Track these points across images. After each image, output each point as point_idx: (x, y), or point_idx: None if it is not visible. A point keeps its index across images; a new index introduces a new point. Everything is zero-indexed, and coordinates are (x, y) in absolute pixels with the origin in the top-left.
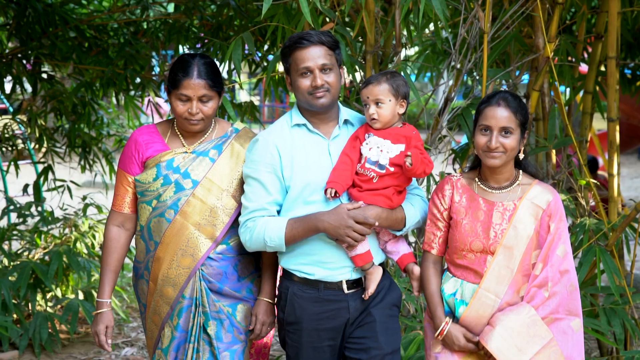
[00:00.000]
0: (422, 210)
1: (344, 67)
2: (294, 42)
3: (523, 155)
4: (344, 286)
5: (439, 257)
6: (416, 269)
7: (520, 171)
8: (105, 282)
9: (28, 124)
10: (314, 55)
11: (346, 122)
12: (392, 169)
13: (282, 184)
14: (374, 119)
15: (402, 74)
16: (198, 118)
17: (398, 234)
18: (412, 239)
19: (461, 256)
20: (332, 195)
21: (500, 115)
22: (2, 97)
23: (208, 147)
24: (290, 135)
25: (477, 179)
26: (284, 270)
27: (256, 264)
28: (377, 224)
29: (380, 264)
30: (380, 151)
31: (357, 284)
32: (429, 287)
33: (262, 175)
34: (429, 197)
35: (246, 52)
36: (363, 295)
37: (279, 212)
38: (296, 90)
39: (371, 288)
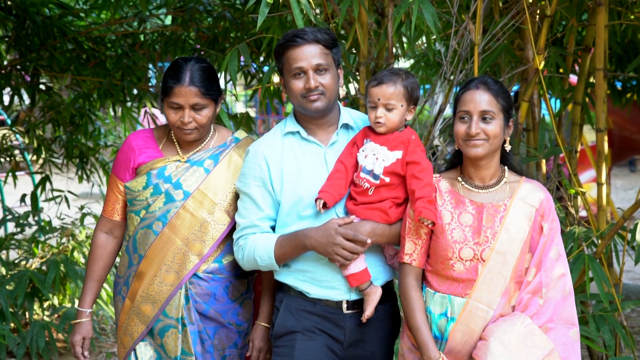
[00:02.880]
0: None
1: (342, 68)
2: (287, 40)
3: (509, 147)
4: (344, 306)
5: (421, 270)
6: None
7: (506, 167)
8: (87, 291)
9: (27, 135)
10: (308, 55)
11: (347, 126)
12: (387, 180)
13: (274, 198)
14: (379, 122)
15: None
16: (191, 127)
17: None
18: None
19: (448, 266)
20: (321, 206)
21: (479, 98)
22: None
23: (204, 156)
24: (281, 145)
25: (459, 179)
26: (280, 284)
27: (248, 285)
28: (369, 241)
29: (389, 283)
30: (376, 159)
31: (359, 305)
32: (414, 312)
33: (252, 189)
34: None
35: (242, 63)
36: (362, 318)
37: (274, 228)
38: (289, 93)
39: (368, 310)
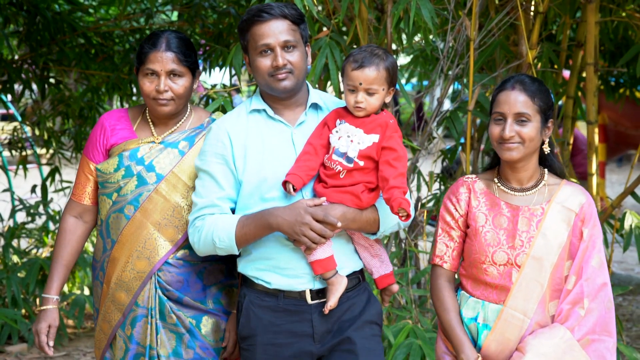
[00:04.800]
0: None
1: (310, 45)
2: (252, 15)
3: (548, 150)
4: (307, 296)
5: (453, 273)
6: (395, 288)
7: (546, 170)
8: (54, 276)
9: (37, 127)
10: (275, 31)
11: (316, 106)
12: (361, 163)
13: (236, 178)
14: (359, 107)
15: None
16: (167, 97)
17: (372, 237)
18: (402, 235)
19: (481, 270)
20: (292, 190)
21: (515, 99)
22: (9, 103)
23: (179, 138)
24: (246, 122)
25: (496, 180)
26: (243, 277)
27: (228, 272)
28: (339, 224)
29: (357, 273)
30: (351, 141)
31: (324, 294)
32: (447, 312)
33: (212, 166)
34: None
35: None
36: (323, 309)
37: (234, 210)
38: (255, 72)
39: (332, 300)
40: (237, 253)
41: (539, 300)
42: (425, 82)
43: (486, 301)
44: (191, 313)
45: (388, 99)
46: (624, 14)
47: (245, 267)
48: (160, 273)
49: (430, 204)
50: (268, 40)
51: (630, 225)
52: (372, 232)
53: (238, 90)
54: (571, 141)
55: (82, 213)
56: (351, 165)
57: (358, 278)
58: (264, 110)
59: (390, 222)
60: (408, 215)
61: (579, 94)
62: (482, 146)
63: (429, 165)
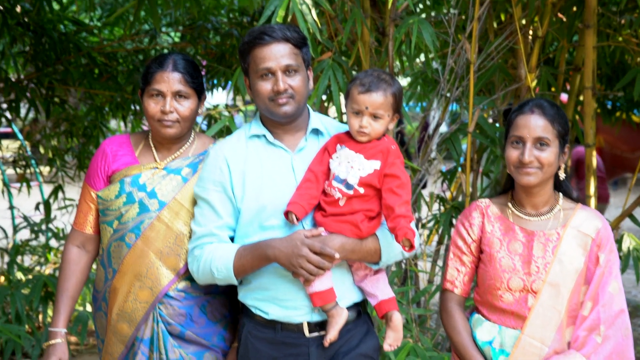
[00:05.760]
0: None
1: (312, 68)
2: (254, 37)
3: (564, 175)
4: (305, 329)
5: (464, 298)
6: (397, 318)
7: (560, 194)
8: (61, 309)
9: (41, 145)
10: (277, 54)
11: (316, 131)
12: (361, 190)
13: (234, 205)
14: (363, 132)
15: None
16: (172, 119)
17: (375, 267)
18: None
19: (496, 297)
20: (295, 221)
21: (534, 123)
22: (12, 123)
23: (182, 164)
24: (245, 148)
25: (510, 204)
26: (243, 306)
27: (232, 305)
28: (337, 256)
29: (357, 305)
30: (351, 167)
31: (322, 327)
32: (459, 335)
33: (211, 194)
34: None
35: None
36: (323, 341)
37: (233, 239)
38: (255, 96)
39: (331, 334)
40: (236, 283)
41: (557, 327)
42: (424, 104)
43: (503, 326)
44: (193, 349)
45: (391, 126)
46: (620, 39)
47: (244, 296)
48: (162, 306)
49: (431, 224)
50: (269, 64)
51: (628, 248)
52: (373, 262)
53: (238, 110)
54: (569, 163)
55: (85, 242)
56: (351, 192)
57: (359, 310)
58: (264, 136)
59: (392, 251)
60: (412, 246)
61: (577, 117)
62: (481, 168)
63: (429, 187)
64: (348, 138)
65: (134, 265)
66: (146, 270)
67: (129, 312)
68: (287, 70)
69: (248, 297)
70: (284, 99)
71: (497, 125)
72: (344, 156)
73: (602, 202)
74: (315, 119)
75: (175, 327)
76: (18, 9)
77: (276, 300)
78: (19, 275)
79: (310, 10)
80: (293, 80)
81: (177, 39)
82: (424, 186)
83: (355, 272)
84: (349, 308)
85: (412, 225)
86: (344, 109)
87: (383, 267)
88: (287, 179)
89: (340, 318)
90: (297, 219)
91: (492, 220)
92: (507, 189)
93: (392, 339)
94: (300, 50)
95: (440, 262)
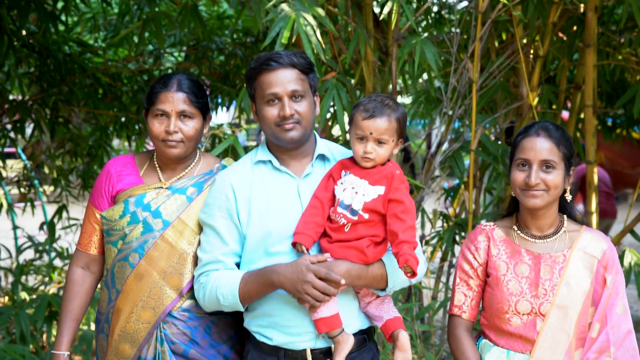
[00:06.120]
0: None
1: (318, 94)
2: (260, 63)
3: (570, 197)
4: (308, 355)
5: (471, 323)
6: (404, 337)
7: (565, 216)
8: (64, 331)
9: (46, 164)
10: (284, 80)
11: (323, 157)
12: (366, 216)
13: (240, 232)
14: (368, 157)
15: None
16: (177, 139)
17: (382, 293)
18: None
19: (504, 320)
20: (305, 251)
21: (541, 146)
22: (16, 143)
23: (187, 184)
24: (251, 174)
25: (515, 227)
26: (248, 333)
27: (238, 326)
28: (343, 282)
29: (363, 332)
30: (355, 193)
31: (326, 355)
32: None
33: (217, 221)
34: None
35: None
36: None
37: (239, 265)
38: (262, 121)
39: None
40: (242, 310)
41: (566, 350)
42: (426, 121)
43: (511, 350)
44: None
45: (396, 151)
46: (620, 57)
47: (249, 323)
48: (166, 325)
49: (434, 241)
50: (276, 90)
51: (630, 263)
52: (380, 288)
53: (241, 129)
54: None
55: (89, 263)
56: (355, 218)
57: (365, 337)
58: (270, 162)
59: (399, 277)
60: (414, 273)
61: (578, 134)
62: (484, 185)
63: (432, 204)
64: (352, 164)
65: (138, 285)
66: (149, 290)
67: (131, 333)
68: (294, 96)
69: (252, 323)
70: (290, 124)
71: (500, 142)
72: (348, 182)
73: (610, 217)
74: (322, 145)
75: (179, 346)
76: (23, 32)
77: (280, 327)
78: (23, 295)
79: (314, 32)
80: (299, 105)
81: (180, 59)
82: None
83: (361, 299)
84: (355, 335)
85: (418, 251)
86: (347, 127)
87: (390, 293)
88: (293, 204)
89: (346, 345)
90: (307, 250)
91: (497, 244)
92: (510, 212)
93: (401, 359)
94: (307, 76)
95: (443, 279)
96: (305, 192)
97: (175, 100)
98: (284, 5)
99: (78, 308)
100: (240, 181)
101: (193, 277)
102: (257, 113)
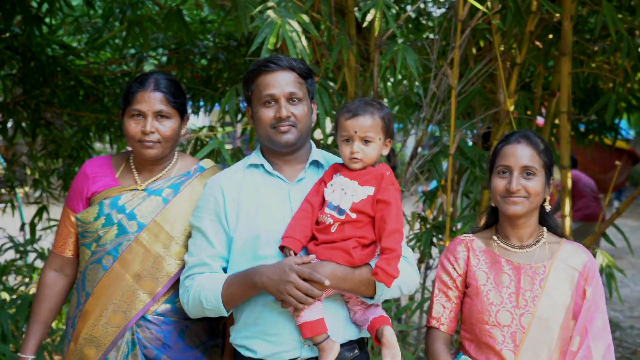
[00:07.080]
0: (406, 275)
1: (316, 102)
2: (259, 65)
3: (549, 207)
4: None
5: (450, 336)
6: (389, 332)
7: (544, 228)
8: (31, 335)
9: (28, 166)
10: (282, 82)
11: (317, 163)
12: (353, 216)
13: (228, 235)
14: (356, 158)
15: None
16: (153, 139)
17: (370, 301)
18: None
19: (484, 332)
20: (293, 255)
21: (522, 153)
22: None
23: (164, 185)
24: (242, 177)
25: (495, 237)
26: (234, 350)
27: (212, 332)
28: (327, 283)
29: (353, 343)
30: (344, 193)
31: None
32: None
33: (204, 223)
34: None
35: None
36: None
37: (226, 270)
38: (257, 123)
39: None
40: (226, 315)
41: None
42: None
43: None
44: None
45: (385, 152)
46: (594, 65)
47: (234, 338)
48: (139, 329)
49: (412, 243)
50: (273, 91)
51: (601, 265)
52: (368, 295)
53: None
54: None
55: (63, 266)
56: (342, 218)
57: (355, 348)
58: (262, 165)
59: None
60: (388, 284)
61: (552, 139)
62: (461, 188)
63: (411, 207)
64: (344, 167)
65: (109, 289)
66: (122, 294)
67: (97, 337)
68: (291, 99)
69: (237, 337)
70: (285, 126)
71: (477, 147)
72: (338, 183)
73: (596, 221)
74: (317, 153)
75: (152, 350)
76: (7, 34)
77: (264, 335)
78: (4, 295)
79: (300, 37)
80: (296, 108)
81: (162, 63)
82: None
83: (351, 308)
84: (344, 345)
85: (411, 262)
86: (328, 131)
87: (378, 302)
88: (283, 209)
89: (331, 352)
90: (294, 254)
91: (477, 254)
92: (489, 224)
93: (390, 357)
94: (305, 80)
95: (420, 280)
96: (296, 197)
97: (152, 100)
98: (270, 12)
99: (48, 311)
100: (230, 184)
101: (168, 280)
102: (253, 116)
